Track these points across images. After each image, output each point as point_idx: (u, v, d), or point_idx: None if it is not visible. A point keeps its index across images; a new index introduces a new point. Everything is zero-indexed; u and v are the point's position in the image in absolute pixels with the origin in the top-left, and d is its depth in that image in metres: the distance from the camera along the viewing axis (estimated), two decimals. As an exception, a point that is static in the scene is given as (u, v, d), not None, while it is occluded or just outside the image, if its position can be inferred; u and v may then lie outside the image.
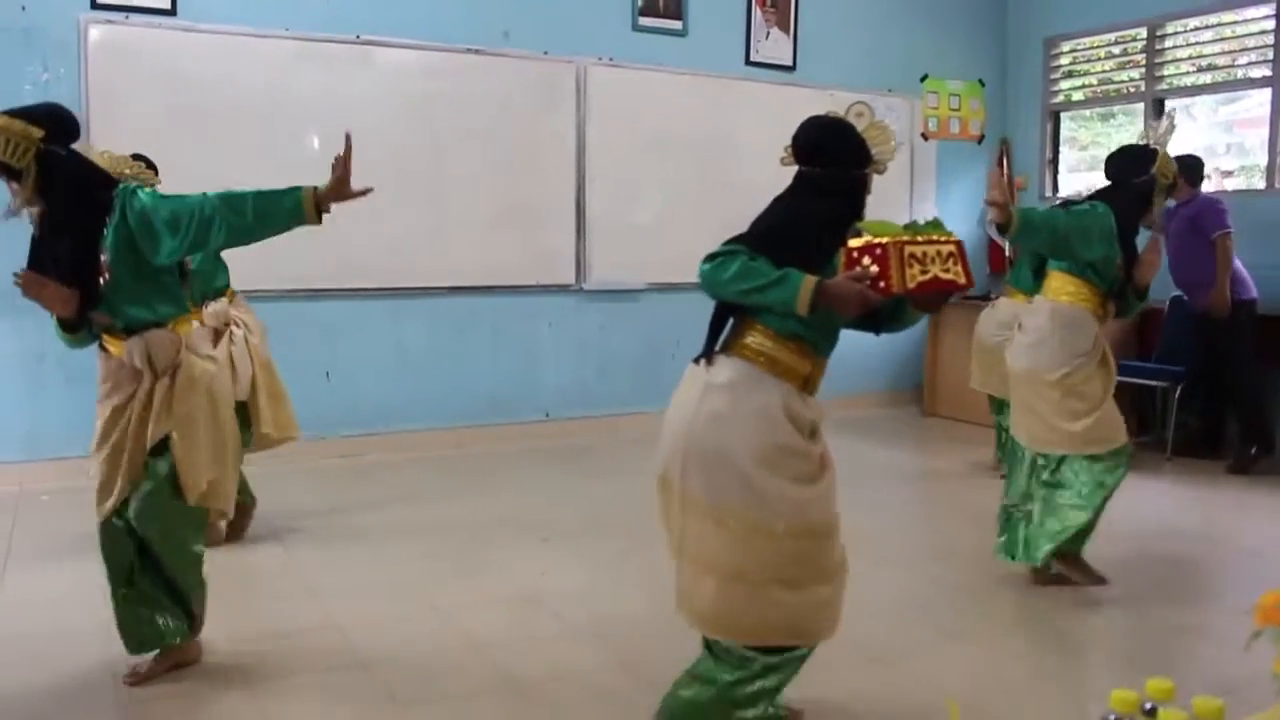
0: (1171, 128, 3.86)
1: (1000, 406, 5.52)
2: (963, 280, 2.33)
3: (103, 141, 5.09)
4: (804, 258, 2.33)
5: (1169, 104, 7.18)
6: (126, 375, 2.91)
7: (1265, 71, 6.58)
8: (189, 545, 3.03)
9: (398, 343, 6.12)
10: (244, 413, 4.12)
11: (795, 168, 2.54)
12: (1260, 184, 6.66)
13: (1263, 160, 6.66)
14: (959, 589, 3.83)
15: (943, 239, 2.36)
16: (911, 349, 7.69)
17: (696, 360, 2.46)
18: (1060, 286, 3.82)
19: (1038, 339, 3.80)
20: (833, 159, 2.46)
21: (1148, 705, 0.95)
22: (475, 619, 3.47)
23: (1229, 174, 7.11)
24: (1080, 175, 7.98)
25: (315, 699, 2.87)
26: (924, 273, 2.29)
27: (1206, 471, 5.74)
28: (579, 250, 6.59)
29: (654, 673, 3.06)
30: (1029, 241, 3.73)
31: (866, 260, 2.27)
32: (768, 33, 7.12)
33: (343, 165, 2.80)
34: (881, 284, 2.26)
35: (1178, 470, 5.86)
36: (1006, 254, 7.91)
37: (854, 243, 2.32)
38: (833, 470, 2.46)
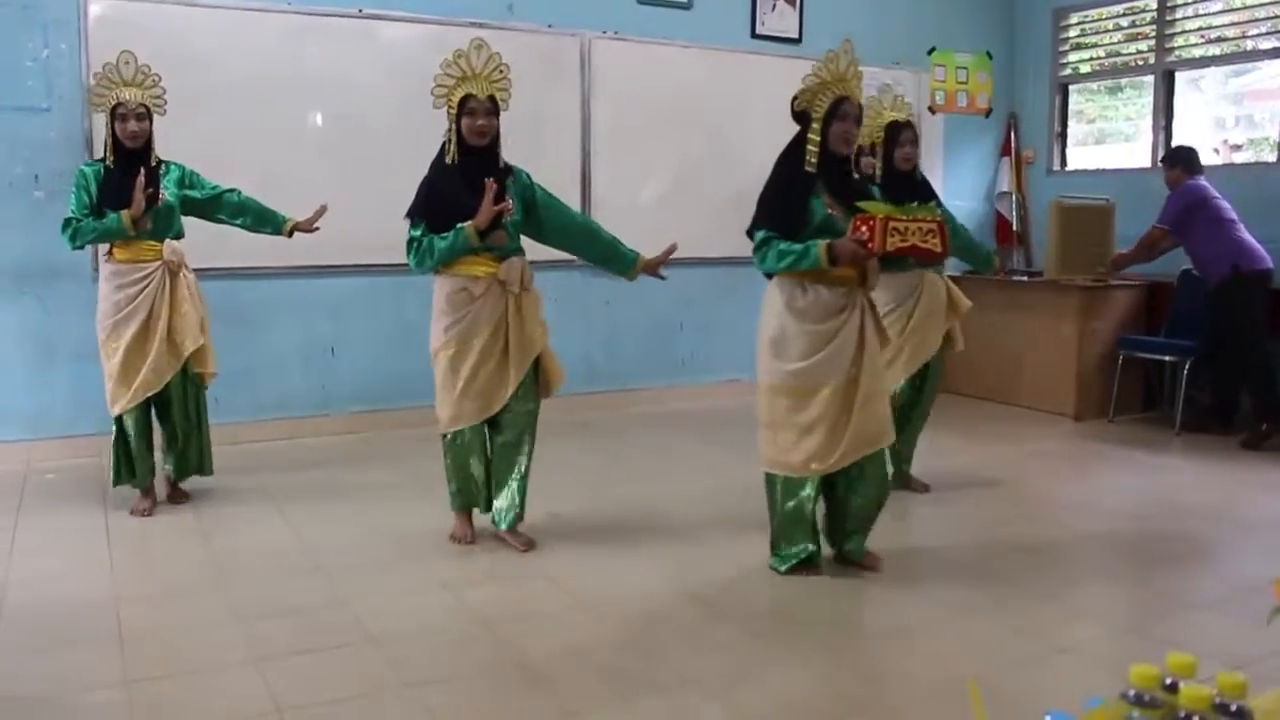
0: None
1: None
2: (938, 250, 3.26)
3: (104, 119, 5.08)
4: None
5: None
6: None
7: (1276, 43, 6.51)
8: None
9: (402, 319, 6.09)
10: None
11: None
12: (1271, 157, 6.60)
13: (1273, 133, 6.60)
14: (969, 564, 3.82)
15: (927, 218, 3.19)
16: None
17: None
18: None
19: None
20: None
21: (1169, 680, 0.93)
22: (482, 595, 3.47)
23: (1238, 147, 7.04)
24: (1088, 149, 7.92)
25: (323, 676, 2.87)
26: (903, 241, 3.13)
27: (1217, 447, 5.71)
28: (584, 226, 6.53)
29: (662, 648, 3.06)
30: None
31: (864, 228, 3.12)
32: (774, 5, 7.05)
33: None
34: (870, 245, 3.12)
35: (1187, 446, 5.83)
36: (1013, 229, 7.89)
37: (862, 216, 3.16)
38: None
